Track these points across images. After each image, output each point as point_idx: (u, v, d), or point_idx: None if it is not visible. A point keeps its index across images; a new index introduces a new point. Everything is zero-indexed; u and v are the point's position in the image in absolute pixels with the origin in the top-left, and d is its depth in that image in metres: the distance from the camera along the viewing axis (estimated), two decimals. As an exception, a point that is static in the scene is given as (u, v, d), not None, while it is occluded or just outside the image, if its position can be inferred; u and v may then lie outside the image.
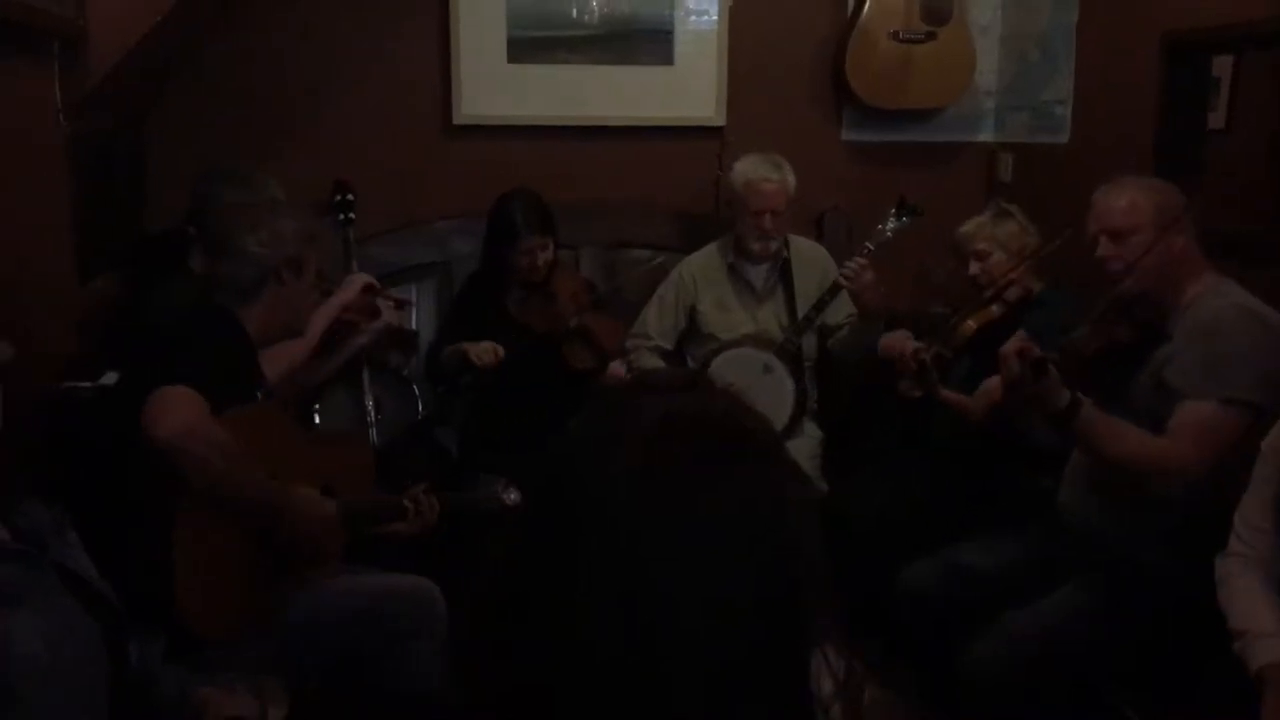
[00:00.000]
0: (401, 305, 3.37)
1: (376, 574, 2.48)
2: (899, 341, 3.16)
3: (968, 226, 3.22)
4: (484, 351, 3.33)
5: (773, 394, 3.52)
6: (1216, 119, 3.15)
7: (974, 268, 3.16)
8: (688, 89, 4.05)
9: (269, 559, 2.23)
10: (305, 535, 2.27)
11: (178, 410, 2.04)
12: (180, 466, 2.04)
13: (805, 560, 0.83)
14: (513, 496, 2.62)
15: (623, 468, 0.81)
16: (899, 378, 3.07)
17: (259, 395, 2.42)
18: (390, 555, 2.58)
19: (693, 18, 4.02)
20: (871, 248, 3.39)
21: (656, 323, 3.69)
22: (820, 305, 3.52)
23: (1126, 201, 2.44)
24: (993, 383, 2.71)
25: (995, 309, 3.07)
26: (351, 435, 3.25)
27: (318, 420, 3.38)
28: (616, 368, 3.50)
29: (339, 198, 3.66)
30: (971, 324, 3.06)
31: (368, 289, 3.10)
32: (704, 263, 3.70)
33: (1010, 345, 2.32)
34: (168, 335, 2.36)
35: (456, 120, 3.94)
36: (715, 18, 4.02)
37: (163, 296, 2.92)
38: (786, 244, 3.63)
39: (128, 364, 2.49)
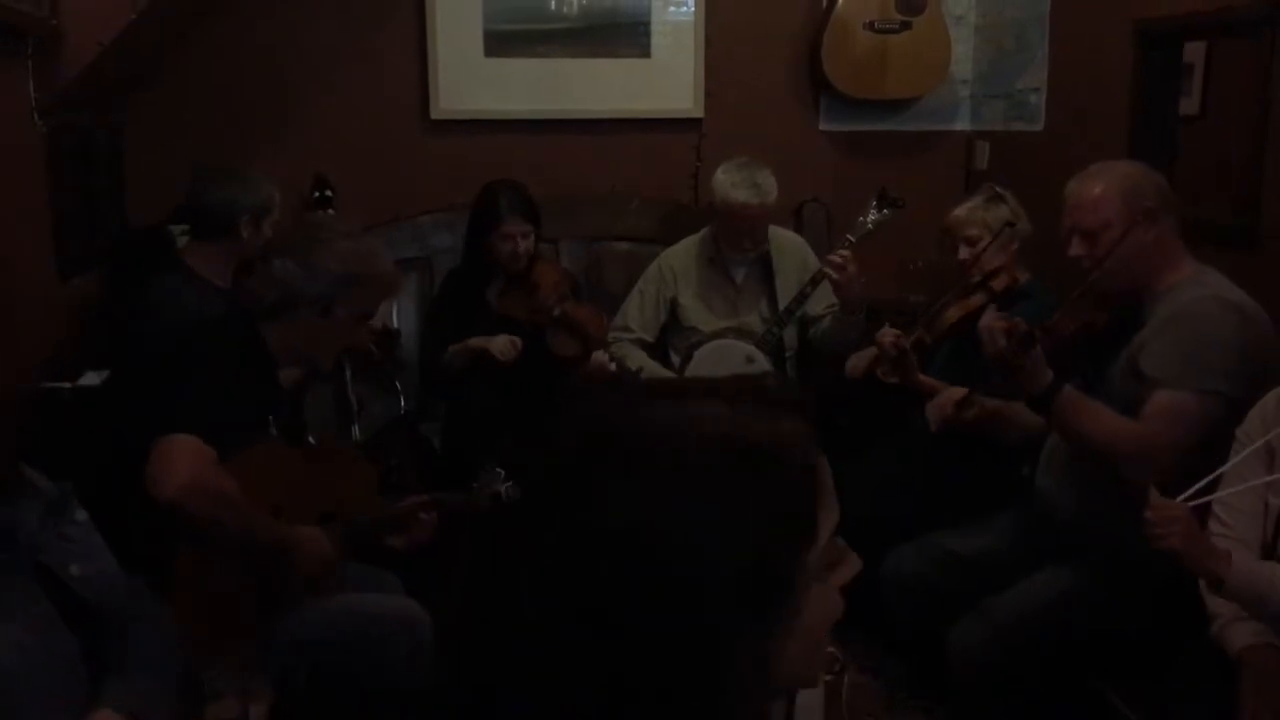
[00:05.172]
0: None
1: (365, 595, 2.43)
2: (862, 359, 3.20)
3: (959, 211, 3.18)
4: (506, 349, 3.33)
5: (754, 385, 3.52)
6: (1189, 105, 3.16)
7: (963, 252, 3.14)
8: (665, 81, 4.06)
9: (264, 591, 2.22)
10: (306, 573, 2.25)
11: (182, 467, 2.03)
12: (184, 521, 2.04)
13: (784, 579, 0.84)
14: (512, 494, 2.53)
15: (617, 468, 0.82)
16: (878, 362, 3.09)
17: (271, 419, 2.39)
18: (391, 559, 2.57)
19: (670, 10, 4.03)
20: (853, 239, 3.40)
21: (638, 315, 3.69)
22: (801, 297, 3.52)
23: (1097, 195, 2.41)
24: (947, 395, 2.74)
25: (978, 298, 3.06)
26: (352, 453, 3.20)
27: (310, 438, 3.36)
28: (599, 357, 3.50)
29: (318, 193, 3.65)
30: (955, 312, 3.06)
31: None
32: (684, 256, 3.70)
33: (997, 321, 2.33)
34: (181, 336, 2.33)
35: (435, 115, 3.94)
36: (692, 9, 4.03)
37: (158, 293, 2.91)
38: (766, 236, 3.64)
39: (134, 360, 2.45)
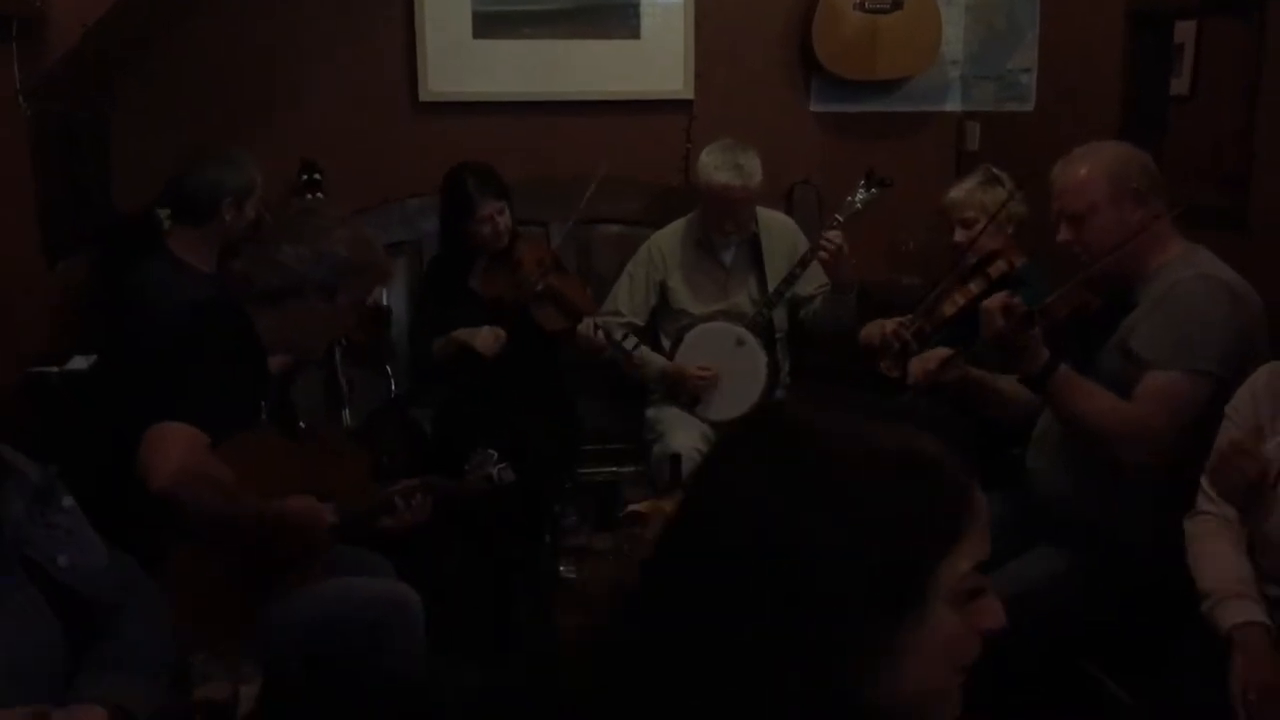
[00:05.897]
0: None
1: (356, 579, 2.42)
2: (877, 327, 3.15)
3: (956, 193, 3.17)
4: (489, 343, 3.33)
5: (746, 367, 3.53)
6: (1180, 85, 3.17)
7: (959, 234, 3.13)
8: (655, 62, 4.04)
9: (258, 575, 2.21)
10: (304, 543, 2.25)
11: (174, 454, 2.02)
12: (176, 508, 2.03)
13: (915, 584, 0.88)
14: (504, 475, 2.54)
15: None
16: (880, 357, 3.05)
17: (263, 405, 2.38)
18: (382, 543, 2.56)
19: (660, -10, 4.00)
20: (841, 219, 3.39)
21: (628, 299, 3.68)
22: (791, 278, 3.52)
23: (1082, 177, 2.41)
24: (933, 353, 2.73)
25: (975, 285, 3.04)
26: (344, 439, 3.19)
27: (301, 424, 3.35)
28: (586, 328, 3.49)
29: (306, 176, 3.63)
30: (957, 300, 3.03)
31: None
32: (673, 238, 3.69)
33: (995, 300, 2.33)
34: (176, 328, 2.31)
35: (423, 97, 3.92)
36: (681, -10, 4.00)
37: (144, 280, 2.89)
38: (755, 218, 3.63)
39: (129, 354, 2.44)
